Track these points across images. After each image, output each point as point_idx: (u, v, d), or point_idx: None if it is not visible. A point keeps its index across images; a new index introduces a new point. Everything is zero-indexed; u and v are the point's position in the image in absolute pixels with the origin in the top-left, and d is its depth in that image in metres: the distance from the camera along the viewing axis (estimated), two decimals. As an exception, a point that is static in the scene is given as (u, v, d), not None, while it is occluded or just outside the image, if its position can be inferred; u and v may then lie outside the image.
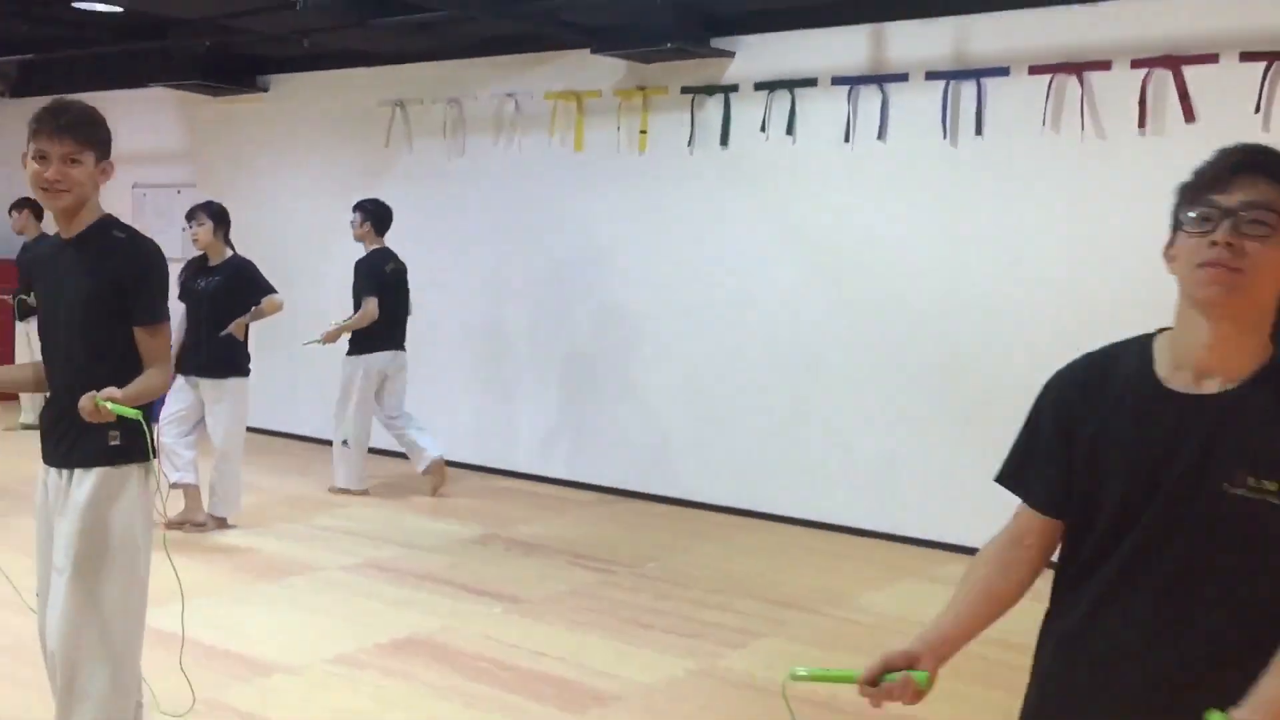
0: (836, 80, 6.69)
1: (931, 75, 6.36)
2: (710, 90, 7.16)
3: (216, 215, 6.31)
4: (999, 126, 6.18)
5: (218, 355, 6.19)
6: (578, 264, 7.74)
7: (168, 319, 3.08)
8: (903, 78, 6.47)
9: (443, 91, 8.39)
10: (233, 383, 6.23)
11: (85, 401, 2.78)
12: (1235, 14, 5.52)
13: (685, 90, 7.27)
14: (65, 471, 3.02)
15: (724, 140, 7.12)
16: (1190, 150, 1.75)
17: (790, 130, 6.85)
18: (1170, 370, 1.71)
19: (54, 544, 3.01)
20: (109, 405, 2.78)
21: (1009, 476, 1.87)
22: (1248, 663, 1.58)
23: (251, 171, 9.61)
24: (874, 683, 1.76)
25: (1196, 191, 1.66)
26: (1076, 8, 5.91)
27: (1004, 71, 6.14)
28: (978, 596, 1.84)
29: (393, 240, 7.97)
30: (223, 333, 6.17)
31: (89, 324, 2.98)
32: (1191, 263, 1.63)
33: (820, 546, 6.43)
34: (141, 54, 9.34)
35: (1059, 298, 6.00)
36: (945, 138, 6.31)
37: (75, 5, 7.99)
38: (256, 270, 6.45)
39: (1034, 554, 1.82)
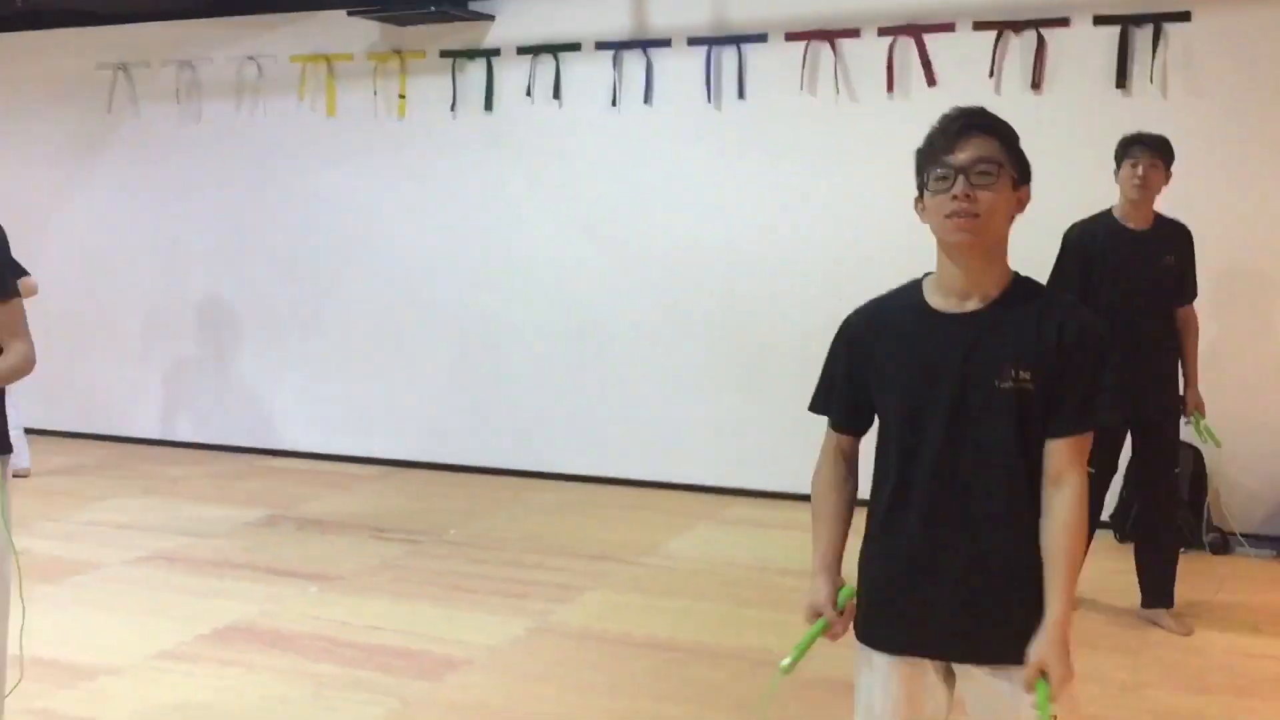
0: (601, 45, 6.82)
1: (694, 41, 6.62)
2: (471, 54, 7.12)
3: None
4: (759, 90, 6.51)
5: None
6: (339, 232, 7.51)
7: (18, 293, 2.83)
8: (665, 43, 6.68)
9: (172, 53, 7.89)
10: None
11: None
12: (969, -13, 6.08)
13: (445, 54, 7.19)
14: None
15: (488, 105, 7.11)
16: (933, 112, 2.07)
17: (557, 94, 6.94)
18: (937, 299, 2.05)
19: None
20: None
21: (817, 405, 2.23)
22: (1012, 519, 1.99)
23: None
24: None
25: (932, 154, 1.99)
26: (827, -22, 6.31)
27: (762, 38, 6.48)
28: (837, 517, 2.18)
29: (127, 212, 7.50)
30: None
31: None
32: (940, 214, 1.96)
33: (612, 501, 6.63)
34: None
35: (822, 251, 6.42)
36: (710, 101, 6.59)
37: None
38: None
39: (851, 465, 2.21)
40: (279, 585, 5.06)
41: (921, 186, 2.01)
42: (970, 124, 1.96)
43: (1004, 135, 1.98)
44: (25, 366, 2.78)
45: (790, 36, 6.41)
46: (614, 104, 6.81)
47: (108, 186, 8.21)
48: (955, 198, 1.93)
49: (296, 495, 6.66)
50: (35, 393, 8.17)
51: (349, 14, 6.98)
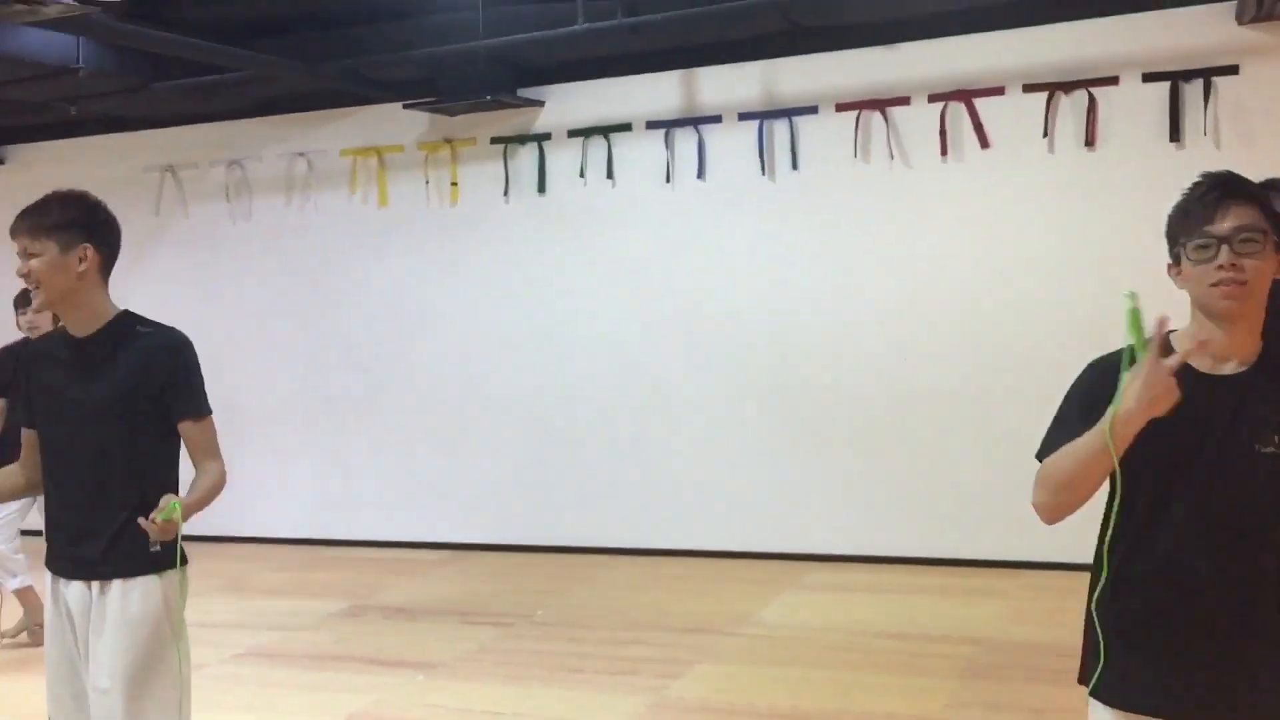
0: (651, 124, 6.98)
1: (745, 116, 6.77)
2: (523, 139, 7.27)
3: None
4: (813, 160, 6.65)
5: None
6: (396, 320, 7.59)
7: (210, 411, 2.88)
8: (716, 119, 6.84)
9: (220, 153, 8.02)
10: None
11: (156, 523, 2.58)
12: (1017, 50, 6.23)
13: (496, 140, 7.34)
14: (96, 584, 2.77)
15: (541, 187, 7.24)
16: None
17: (610, 174, 7.07)
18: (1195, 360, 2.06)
19: (92, 663, 2.75)
20: (176, 517, 2.59)
21: (1046, 451, 2.14)
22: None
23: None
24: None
25: (1190, 224, 2.04)
26: (874, 50, 6.48)
27: (813, 110, 6.63)
28: None
29: (175, 309, 7.56)
30: None
31: (116, 426, 2.76)
32: (1204, 283, 2.02)
33: (689, 572, 6.63)
34: None
35: (881, 312, 6.52)
36: (764, 173, 6.73)
37: None
38: None
39: None
40: (383, 675, 5.05)
41: (1178, 254, 2.06)
42: (1228, 193, 2.02)
43: (1262, 202, 2.03)
44: (220, 485, 2.82)
45: (841, 107, 6.57)
46: (668, 180, 6.94)
47: (157, 284, 8.27)
48: (1221, 267, 1.98)
49: (372, 584, 6.65)
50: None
51: (404, 107, 7.12)
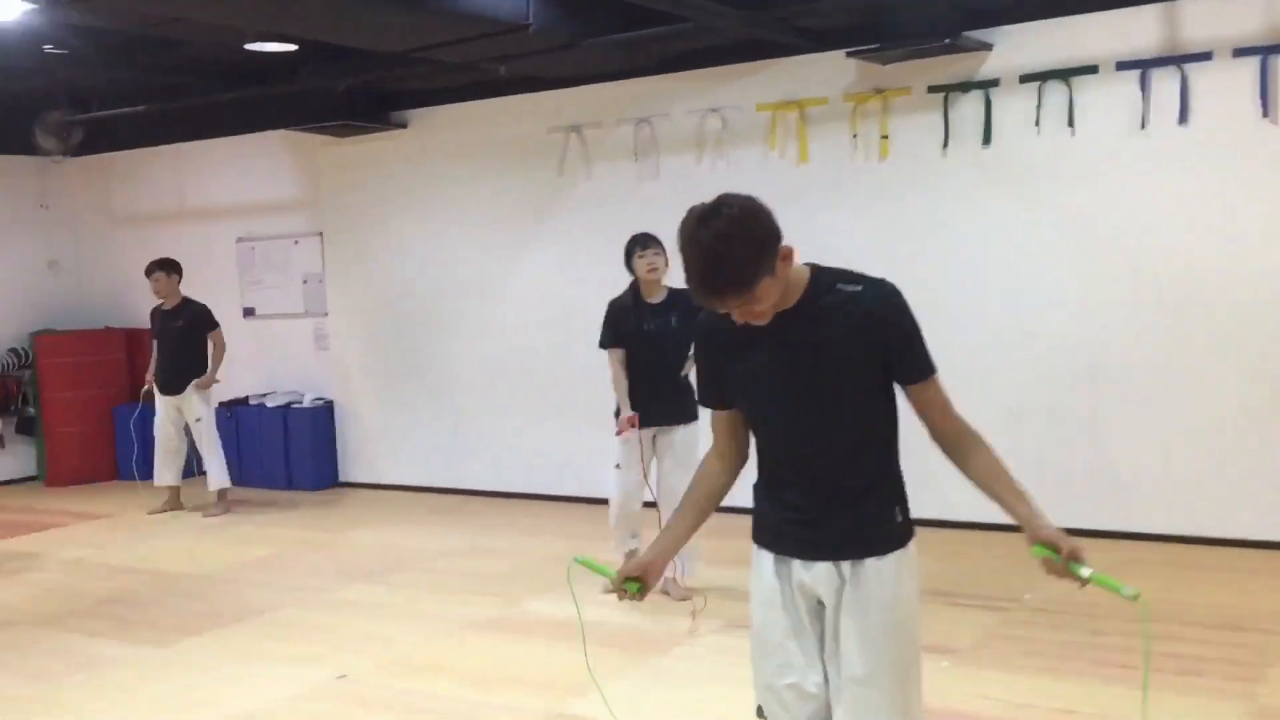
0: (1122, 65, 6.32)
1: (1241, 52, 6.03)
2: (965, 87, 6.75)
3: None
4: (1327, 100, 5.86)
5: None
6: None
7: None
8: (1206, 56, 6.12)
9: (629, 111, 7.86)
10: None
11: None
12: None
13: (933, 89, 6.85)
14: (841, 563, 2.49)
15: (986, 139, 6.71)
16: None
17: (1071, 122, 6.46)
18: None
19: (848, 649, 2.47)
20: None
21: None
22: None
23: (391, 214, 8.97)
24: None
25: None
26: None
27: (1329, 42, 5.84)
28: None
29: (577, 270, 7.55)
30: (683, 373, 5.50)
31: (852, 392, 2.46)
32: None
33: (1178, 559, 6.03)
34: (255, 100, 8.67)
35: None
36: (1267, 115, 5.97)
37: (247, 47, 7.32)
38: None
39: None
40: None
41: None
42: None
43: None
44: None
45: (1368, 38, 5.74)
46: (1142, 127, 6.27)
47: (559, 246, 8.25)
48: None
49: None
50: (487, 454, 8.28)
51: (848, 55, 6.73)
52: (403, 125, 8.82)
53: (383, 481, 9.20)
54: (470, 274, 8.65)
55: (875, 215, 7.06)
